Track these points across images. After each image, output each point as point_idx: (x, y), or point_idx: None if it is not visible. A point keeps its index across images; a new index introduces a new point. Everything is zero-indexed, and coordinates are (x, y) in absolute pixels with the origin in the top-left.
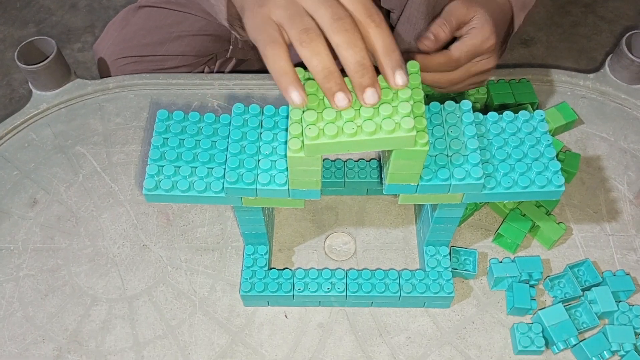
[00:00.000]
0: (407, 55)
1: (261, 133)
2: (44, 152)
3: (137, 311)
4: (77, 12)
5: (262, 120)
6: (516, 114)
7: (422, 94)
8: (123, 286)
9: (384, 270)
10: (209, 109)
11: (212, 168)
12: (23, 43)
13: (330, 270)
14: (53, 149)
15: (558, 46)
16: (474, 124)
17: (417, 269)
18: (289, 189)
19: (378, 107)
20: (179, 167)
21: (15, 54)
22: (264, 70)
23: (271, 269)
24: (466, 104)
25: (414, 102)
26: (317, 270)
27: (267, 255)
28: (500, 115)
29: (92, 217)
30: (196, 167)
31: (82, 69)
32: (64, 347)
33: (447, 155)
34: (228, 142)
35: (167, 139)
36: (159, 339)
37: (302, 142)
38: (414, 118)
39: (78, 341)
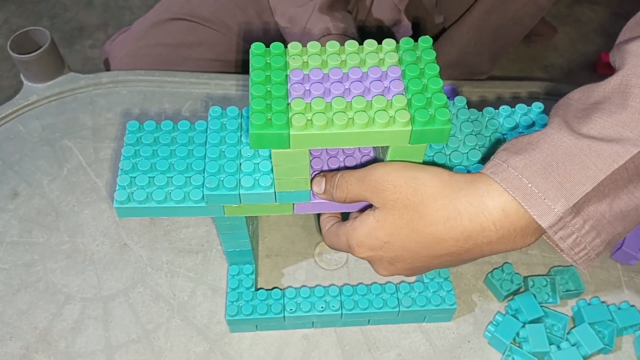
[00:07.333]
0: None
1: (241, 135)
2: (30, 144)
3: (112, 312)
4: (92, 9)
5: (241, 123)
6: (513, 108)
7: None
8: (99, 285)
9: (380, 285)
10: (202, 108)
11: (191, 176)
12: (17, 32)
13: (324, 287)
14: (40, 141)
15: (579, 74)
16: (470, 121)
17: (415, 281)
18: (275, 192)
19: (372, 99)
20: (154, 177)
21: (8, 42)
22: None
23: (259, 289)
24: (460, 99)
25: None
26: (309, 288)
27: (253, 275)
28: (497, 110)
29: (73, 212)
30: (172, 176)
31: (91, 65)
32: (32, 346)
33: (445, 154)
34: (206, 148)
35: (139, 149)
36: (132, 343)
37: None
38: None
39: (47, 340)
